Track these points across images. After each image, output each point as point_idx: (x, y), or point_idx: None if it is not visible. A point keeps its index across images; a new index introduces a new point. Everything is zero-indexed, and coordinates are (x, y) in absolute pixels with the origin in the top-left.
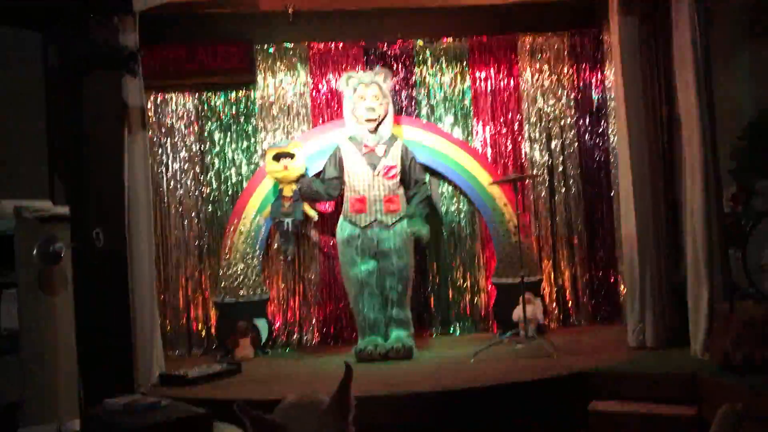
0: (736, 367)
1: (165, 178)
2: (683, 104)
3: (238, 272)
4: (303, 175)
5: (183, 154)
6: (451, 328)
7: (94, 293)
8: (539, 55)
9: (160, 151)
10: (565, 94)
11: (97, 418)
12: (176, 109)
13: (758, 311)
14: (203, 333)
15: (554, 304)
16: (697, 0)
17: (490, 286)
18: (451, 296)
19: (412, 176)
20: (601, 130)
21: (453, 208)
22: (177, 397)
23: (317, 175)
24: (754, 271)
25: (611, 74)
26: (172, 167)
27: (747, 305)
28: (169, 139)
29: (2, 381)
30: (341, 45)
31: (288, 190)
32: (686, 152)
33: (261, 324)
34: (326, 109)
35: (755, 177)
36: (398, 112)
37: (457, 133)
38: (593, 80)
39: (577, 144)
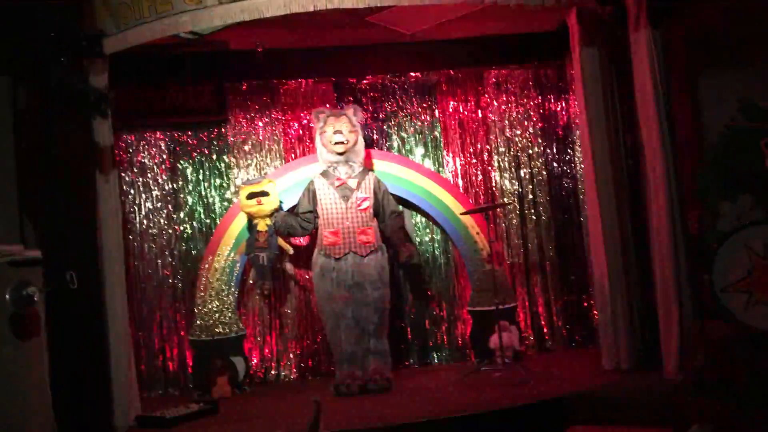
0: (709, 387)
1: (138, 218)
2: (645, 131)
3: (214, 309)
4: (277, 210)
5: (156, 192)
6: (429, 358)
7: (68, 336)
8: (505, 87)
9: (132, 190)
10: (532, 123)
11: None
12: (148, 149)
13: (728, 331)
14: (179, 373)
15: (529, 330)
16: (654, 30)
17: (466, 315)
18: (427, 326)
19: (387, 208)
20: (568, 157)
21: (427, 239)
22: None
23: (291, 209)
24: (722, 291)
25: (576, 104)
26: (145, 206)
27: (717, 325)
28: (141, 178)
29: None
30: (311, 81)
31: (262, 225)
32: (650, 178)
33: (238, 361)
34: (298, 144)
35: (719, 199)
36: (369, 146)
37: (428, 164)
38: (558, 110)
39: (545, 172)
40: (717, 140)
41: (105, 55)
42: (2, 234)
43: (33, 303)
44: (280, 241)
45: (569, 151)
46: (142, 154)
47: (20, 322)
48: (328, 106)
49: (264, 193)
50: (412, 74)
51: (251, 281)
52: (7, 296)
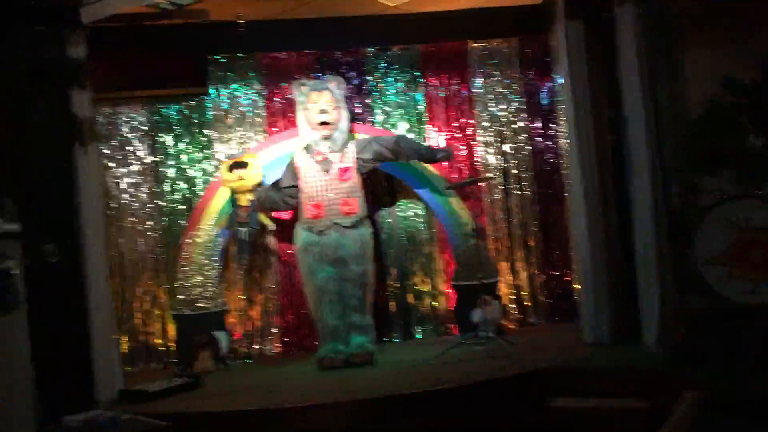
0: (686, 359)
1: (119, 191)
2: (629, 106)
3: (196, 284)
4: (259, 185)
5: (136, 166)
6: (413, 333)
7: (49, 310)
8: (489, 61)
9: (113, 163)
10: (516, 98)
11: None
12: (129, 122)
13: (707, 304)
14: (161, 347)
15: (512, 305)
16: (639, 5)
17: (449, 290)
18: (411, 300)
19: (390, 146)
20: (552, 132)
21: (411, 213)
22: (138, 413)
23: (274, 184)
24: (701, 265)
25: (560, 78)
26: (126, 179)
27: (695, 299)
28: (122, 151)
29: None
30: (294, 53)
31: (244, 200)
32: (633, 151)
33: (221, 336)
34: (281, 118)
35: (699, 174)
36: (353, 120)
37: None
38: (542, 84)
39: (529, 147)
40: (699, 115)
41: (83, 24)
42: None
43: (11, 276)
44: (262, 217)
45: (553, 126)
46: (123, 127)
47: (2, 295)
48: (312, 78)
49: (245, 167)
50: (396, 47)
51: (232, 256)
52: None
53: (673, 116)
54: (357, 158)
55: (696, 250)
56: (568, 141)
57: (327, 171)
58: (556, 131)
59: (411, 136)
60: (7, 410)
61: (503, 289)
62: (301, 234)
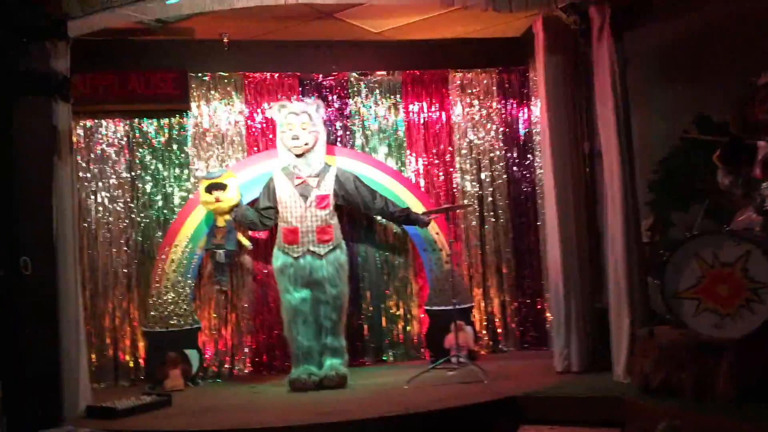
0: (655, 390)
1: (94, 205)
2: (604, 140)
3: (169, 301)
4: (237, 205)
5: (113, 180)
6: (385, 356)
7: (20, 322)
8: (469, 90)
9: (89, 176)
10: (494, 127)
11: None
12: (107, 135)
13: (675, 336)
14: (131, 363)
15: (484, 331)
16: (616, 42)
17: (422, 314)
18: (384, 324)
19: (367, 194)
20: (528, 162)
21: (387, 237)
22: (106, 430)
23: (252, 203)
24: (672, 299)
25: (537, 109)
26: (102, 194)
27: (665, 331)
28: (99, 165)
29: None
30: (277, 75)
31: (221, 221)
32: (607, 185)
33: (192, 354)
34: (261, 137)
35: (671, 209)
36: (333, 142)
37: (391, 163)
38: (520, 115)
39: (505, 176)
40: (671, 151)
41: (69, 38)
42: None
43: None
44: (240, 237)
45: (529, 156)
46: (101, 141)
47: None
48: (293, 99)
49: (223, 187)
50: (378, 72)
51: (207, 274)
52: None
53: (646, 151)
54: (336, 187)
55: (667, 283)
56: (544, 171)
57: (305, 197)
58: (532, 161)
59: (390, 162)
60: None
61: (475, 315)
62: (277, 255)
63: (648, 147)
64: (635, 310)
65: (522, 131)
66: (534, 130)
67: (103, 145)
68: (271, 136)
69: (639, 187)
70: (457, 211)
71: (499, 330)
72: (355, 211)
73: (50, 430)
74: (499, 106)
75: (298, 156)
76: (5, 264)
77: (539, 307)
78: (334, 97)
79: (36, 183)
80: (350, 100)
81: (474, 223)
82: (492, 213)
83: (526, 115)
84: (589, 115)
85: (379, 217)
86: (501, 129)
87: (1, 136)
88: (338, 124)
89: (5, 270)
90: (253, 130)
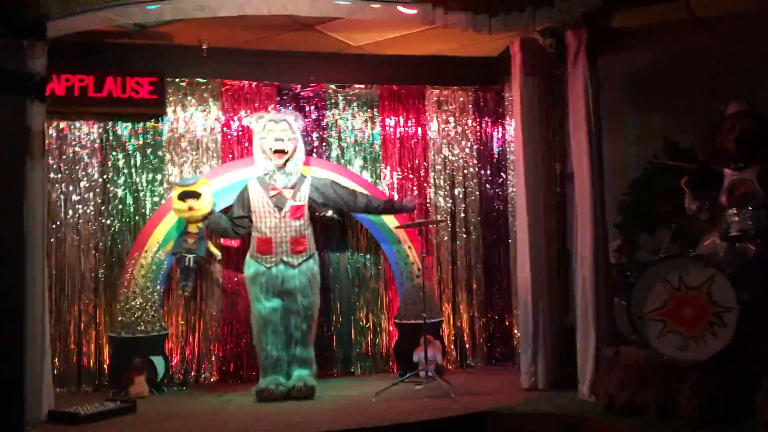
0: (619, 409)
1: (63, 208)
2: (576, 161)
3: (137, 307)
4: (210, 212)
5: (84, 183)
6: (353, 368)
7: None
8: (445, 107)
9: (59, 178)
10: (469, 144)
11: None
12: (80, 137)
13: (640, 357)
14: (95, 369)
15: (453, 346)
16: (590, 66)
17: (391, 327)
18: (353, 336)
19: (346, 196)
20: (500, 180)
21: (359, 249)
22: None
23: (225, 211)
24: (637, 320)
25: (511, 129)
26: (72, 196)
27: (630, 351)
28: (70, 167)
29: None
30: (254, 84)
31: (193, 227)
32: (578, 206)
33: (157, 361)
34: (236, 145)
35: (639, 231)
36: (309, 153)
37: (366, 176)
38: (495, 133)
39: (478, 192)
40: (640, 175)
41: (47, 38)
42: None
43: None
44: (209, 245)
45: (502, 174)
46: (73, 143)
47: None
48: (270, 109)
49: (196, 196)
50: (356, 85)
51: (176, 281)
52: None
53: (616, 174)
54: (311, 196)
55: (633, 305)
56: (516, 190)
57: (280, 209)
58: (505, 179)
59: (365, 175)
60: None
61: (444, 330)
62: (249, 264)
63: (618, 170)
64: (601, 329)
65: (496, 149)
66: (508, 149)
67: (76, 147)
68: (246, 144)
69: (608, 208)
70: (430, 226)
71: (467, 345)
72: (329, 222)
73: None
74: (474, 124)
75: (279, 161)
76: None
77: (507, 323)
78: (312, 108)
79: (7, 183)
80: (327, 111)
81: (446, 238)
82: (464, 229)
83: (500, 134)
84: (561, 136)
85: (366, 215)
86: (475, 146)
87: None
88: (315, 135)
89: None
90: (229, 137)
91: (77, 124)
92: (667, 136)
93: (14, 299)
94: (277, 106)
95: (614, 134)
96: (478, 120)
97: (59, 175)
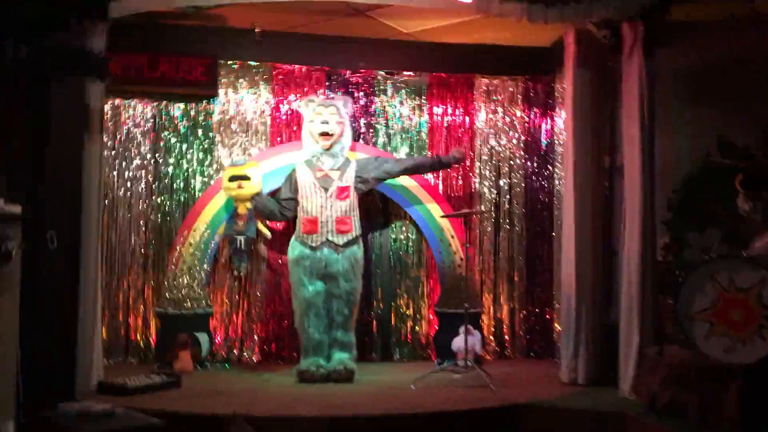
0: (661, 409)
1: (116, 184)
2: (627, 156)
3: (184, 284)
4: (258, 194)
5: (137, 161)
6: (392, 354)
7: (40, 296)
8: (494, 97)
9: (113, 155)
10: (516, 135)
11: (50, 422)
12: (134, 116)
13: (685, 357)
14: (141, 342)
15: (492, 337)
16: (646, 60)
17: (432, 315)
18: (393, 322)
19: (389, 161)
20: (547, 172)
21: (402, 236)
22: (124, 407)
23: (272, 193)
24: (684, 319)
25: (561, 120)
26: (125, 174)
27: (674, 350)
28: (124, 145)
29: None
30: (305, 68)
31: (242, 209)
32: (627, 200)
33: (202, 337)
34: (285, 129)
35: (688, 229)
36: (356, 139)
37: None
38: (543, 124)
39: (524, 184)
40: (692, 172)
41: (109, 19)
42: None
43: (10, 258)
44: (260, 225)
45: (549, 166)
46: (127, 121)
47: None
48: (320, 93)
49: (245, 177)
50: (405, 72)
51: (223, 260)
52: None
53: (666, 170)
54: (356, 177)
55: (680, 304)
56: (564, 183)
57: (326, 189)
58: (552, 172)
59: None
60: None
61: (484, 321)
62: (294, 246)
63: (669, 166)
64: (646, 327)
65: (544, 141)
66: (556, 141)
67: (130, 125)
68: (295, 128)
69: (657, 204)
70: (474, 216)
71: (506, 337)
72: (373, 204)
73: (68, 403)
74: (522, 115)
75: (325, 143)
76: (32, 236)
77: (548, 317)
78: (360, 94)
79: (67, 159)
80: (376, 98)
81: (489, 229)
82: (507, 220)
83: (549, 125)
84: (612, 129)
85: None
86: (523, 137)
87: (38, 112)
88: (362, 121)
89: (31, 243)
90: (278, 120)
91: (132, 102)
92: (721, 134)
93: (69, 273)
94: (327, 91)
95: (667, 129)
96: (527, 111)
97: (113, 152)
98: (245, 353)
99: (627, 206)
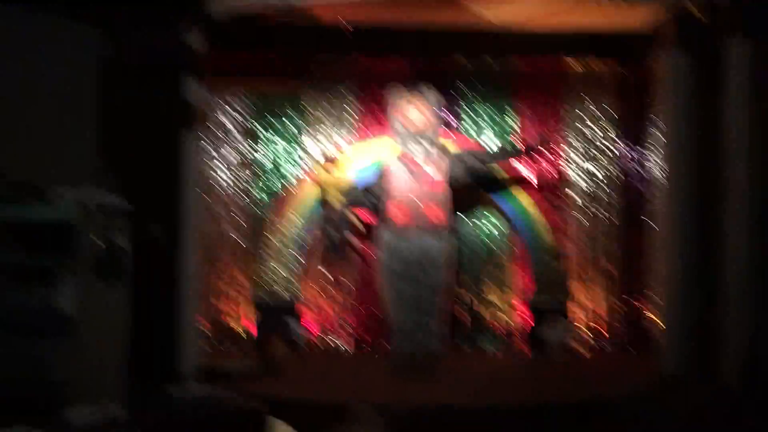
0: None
1: (212, 177)
2: (732, 143)
3: (278, 273)
4: (350, 185)
5: (232, 154)
6: (481, 344)
7: (147, 285)
8: (586, 82)
9: (209, 149)
10: (611, 122)
11: (158, 405)
12: (229, 110)
13: None
14: (238, 330)
15: (586, 330)
16: (750, 41)
17: (522, 306)
18: (482, 312)
19: (479, 154)
20: (644, 160)
21: (491, 226)
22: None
23: (363, 185)
24: None
25: (658, 107)
26: (220, 166)
27: None
28: (219, 139)
29: (53, 361)
30: (393, 60)
31: (334, 198)
32: (733, 190)
33: (297, 325)
34: (374, 122)
35: None
36: (444, 129)
37: None
38: (639, 110)
39: (619, 173)
40: None
41: (206, 17)
42: (80, 181)
43: (122, 251)
44: (353, 217)
45: (646, 154)
46: (222, 114)
47: (107, 267)
48: (408, 84)
49: (338, 164)
50: (492, 60)
51: (317, 250)
52: (101, 241)
53: None
54: (451, 171)
55: None
56: (665, 173)
57: (417, 178)
58: (650, 160)
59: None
60: (101, 375)
61: (578, 312)
62: (384, 235)
63: None
64: (753, 322)
65: (640, 127)
66: (653, 128)
67: (224, 119)
68: (384, 120)
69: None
70: (567, 206)
71: (601, 329)
72: (464, 198)
73: (174, 387)
74: (616, 100)
75: (414, 135)
76: (139, 229)
77: (644, 309)
78: (447, 82)
79: (166, 153)
80: (463, 86)
81: (584, 219)
82: (603, 210)
83: (645, 111)
84: (714, 115)
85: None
86: (617, 124)
87: (141, 109)
88: (450, 110)
89: (139, 236)
90: (367, 113)
91: (226, 96)
92: None
93: (171, 262)
94: (414, 81)
95: None
96: (620, 96)
97: (208, 146)
98: (338, 341)
99: (732, 194)
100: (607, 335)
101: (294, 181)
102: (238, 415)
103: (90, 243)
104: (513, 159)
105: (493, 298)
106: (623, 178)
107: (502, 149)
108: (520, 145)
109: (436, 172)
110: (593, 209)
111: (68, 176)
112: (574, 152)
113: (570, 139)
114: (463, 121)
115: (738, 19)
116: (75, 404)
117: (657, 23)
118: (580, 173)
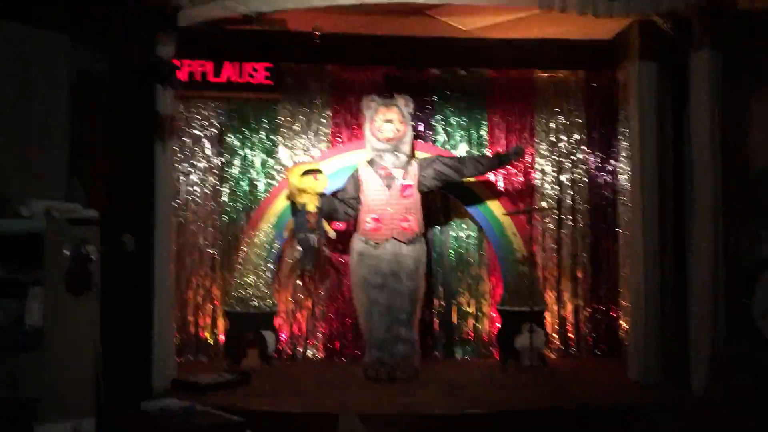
0: (738, 408)
1: (183, 187)
2: (696, 150)
3: (250, 283)
4: (323, 194)
5: (202, 164)
6: (455, 352)
7: (117, 297)
8: (555, 92)
9: (180, 158)
10: (578, 130)
11: (133, 420)
12: (199, 120)
13: (761, 356)
14: (210, 340)
15: (555, 335)
16: (714, 52)
17: (494, 312)
18: (455, 320)
19: (452, 163)
20: (610, 168)
21: (462, 234)
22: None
23: (335, 194)
24: (758, 317)
25: (624, 115)
26: (191, 176)
27: (750, 349)
28: (190, 148)
29: (23, 376)
30: (364, 69)
31: (312, 206)
32: (697, 197)
33: (268, 335)
34: (346, 129)
35: (760, 225)
36: (415, 138)
37: None
38: (606, 119)
39: (586, 179)
40: (763, 167)
41: (178, 27)
42: (53, 192)
43: (90, 261)
44: (325, 225)
45: (612, 161)
46: (193, 125)
47: (76, 278)
48: (381, 94)
49: (319, 171)
50: (463, 71)
51: (289, 260)
52: (67, 252)
53: (737, 165)
54: (419, 176)
55: (754, 302)
56: (630, 179)
57: (389, 186)
58: (616, 167)
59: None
60: (71, 390)
61: (549, 318)
62: (357, 245)
63: (740, 160)
64: (718, 325)
65: (606, 136)
66: (619, 136)
67: (195, 130)
68: (356, 128)
69: (729, 199)
70: (535, 214)
71: (570, 335)
72: (434, 203)
73: (149, 401)
74: (584, 109)
75: (388, 141)
76: (108, 240)
77: (613, 314)
78: (419, 92)
79: (139, 164)
80: (435, 96)
81: (552, 226)
82: (570, 217)
83: (611, 120)
84: (679, 123)
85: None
86: (585, 132)
87: (112, 120)
88: (421, 120)
89: (108, 246)
90: (339, 122)
91: (196, 107)
92: None
93: (143, 275)
94: (386, 91)
95: (737, 124)
96: (588, 105)
97: (180, 156)
98: (309, 350)
99: (697, 201)
100: (577, 341)
101: (267, 190)
102: (213, 428)
103: (60, 255)
104: (484, 167)
105: (465, 305)
106: (592, 185)
107: (473, 158)
108: (491, 154)
109: (408, 180)
110: (562, 217)
111: (38, 188)
112: (544, 160)
113: (539, 148)
114: (435, 131)
115: (703, 30)
116: (45, 421)
117: (624, 34)
118: (549, 180)
